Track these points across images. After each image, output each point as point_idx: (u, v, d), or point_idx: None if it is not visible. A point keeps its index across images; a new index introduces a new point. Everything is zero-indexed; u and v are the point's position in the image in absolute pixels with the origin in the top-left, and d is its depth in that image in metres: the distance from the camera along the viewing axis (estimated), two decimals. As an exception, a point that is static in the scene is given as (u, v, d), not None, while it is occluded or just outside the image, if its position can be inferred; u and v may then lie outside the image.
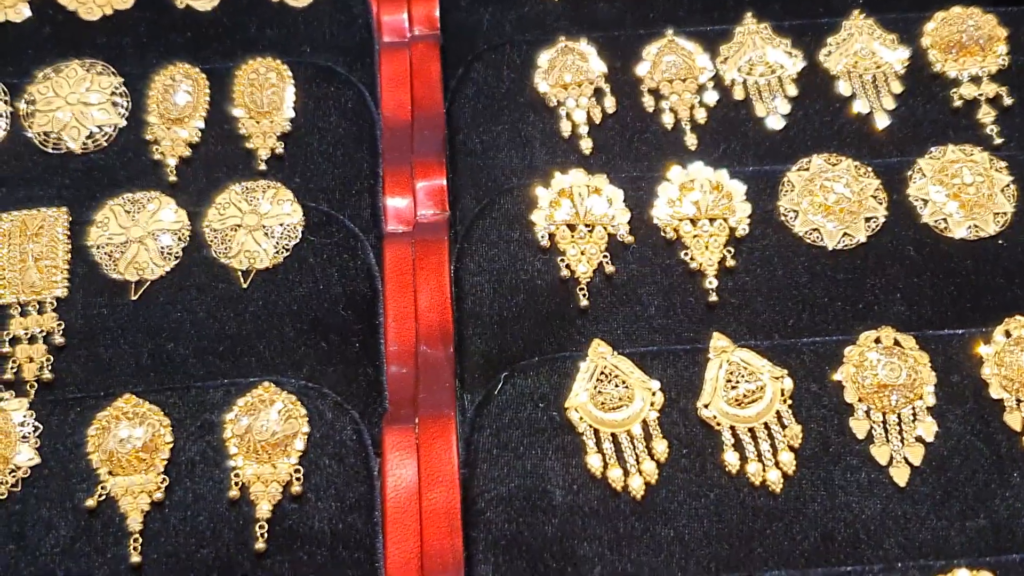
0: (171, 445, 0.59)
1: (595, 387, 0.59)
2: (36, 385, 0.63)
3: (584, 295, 0.66)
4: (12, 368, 0.64)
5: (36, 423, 0.60)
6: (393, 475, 0.62)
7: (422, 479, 0.63)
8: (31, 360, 0.65)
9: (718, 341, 0.61)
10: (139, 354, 0.66)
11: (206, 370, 0.65)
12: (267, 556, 0.58)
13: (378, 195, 0.76)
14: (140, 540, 0.57)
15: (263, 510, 0.58)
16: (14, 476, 0.59)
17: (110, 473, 0.58)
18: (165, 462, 0.59)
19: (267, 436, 0.59)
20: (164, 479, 0.58)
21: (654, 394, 0.59)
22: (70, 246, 0.68)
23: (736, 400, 0.59)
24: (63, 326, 0.65)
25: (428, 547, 0.61)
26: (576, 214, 0.68)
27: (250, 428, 0.59)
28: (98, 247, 0.68)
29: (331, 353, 0.67)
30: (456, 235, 0.73)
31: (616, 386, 0.59)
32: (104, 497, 0.58)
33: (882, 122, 0.73)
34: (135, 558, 0.57)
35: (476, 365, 0.67)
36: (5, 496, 0.58)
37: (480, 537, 0.58)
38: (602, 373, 0.60)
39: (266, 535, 0.58)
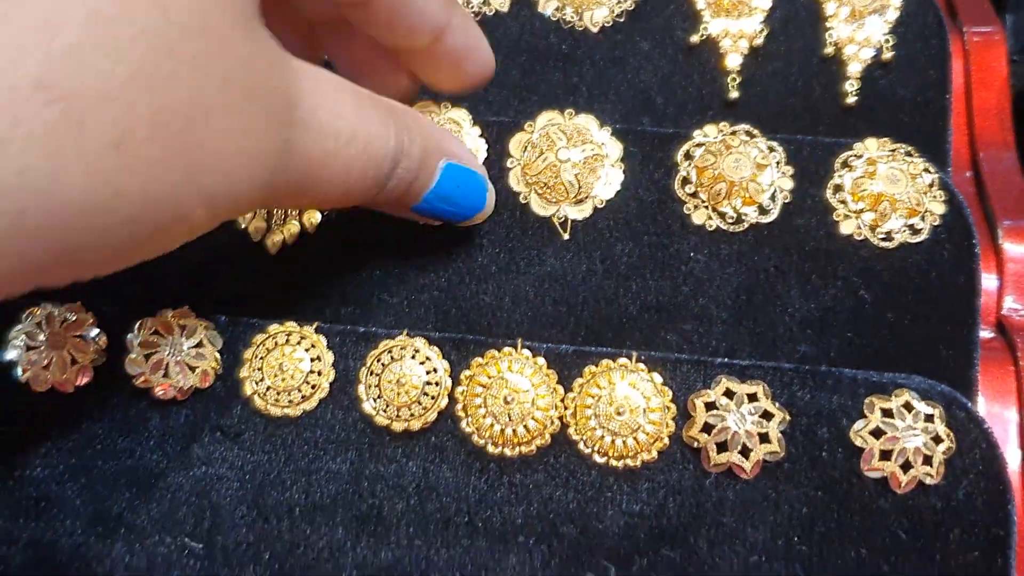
0: (773, -3, 0.62)
1: None
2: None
3: None
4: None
5: (641, -40, 0.63)
6: (941, 76, 0.64)
7: (972, 81, 0.65)
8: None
9: None
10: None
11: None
12: (852, 112, 0.61)
13: None
14: (737, 80, 0.61)
15: (854, 69, 0.61)
16: (620, 6, 0.62)
17: (713, 15, 0.62)
18: (765, 12, 0.62)
19: (866, 2, 0.61)
20: (764, 28, 0.61)
21: None
22: None
23: None
24: None
25: (980, 136, 0.64)
26: None
27: (851, -9, 0.61)
28: None
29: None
30: None
31: None
32: (706, 36, 0.62)
33: None
34: (732, 94, 0.61)
35: (1026, -15, 0.67)
36: (610, 24, 0.62)
37: (1057, 128, 0.61)
38: None
39: (856, 92, 0.61)
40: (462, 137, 0.56)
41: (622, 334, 0.54)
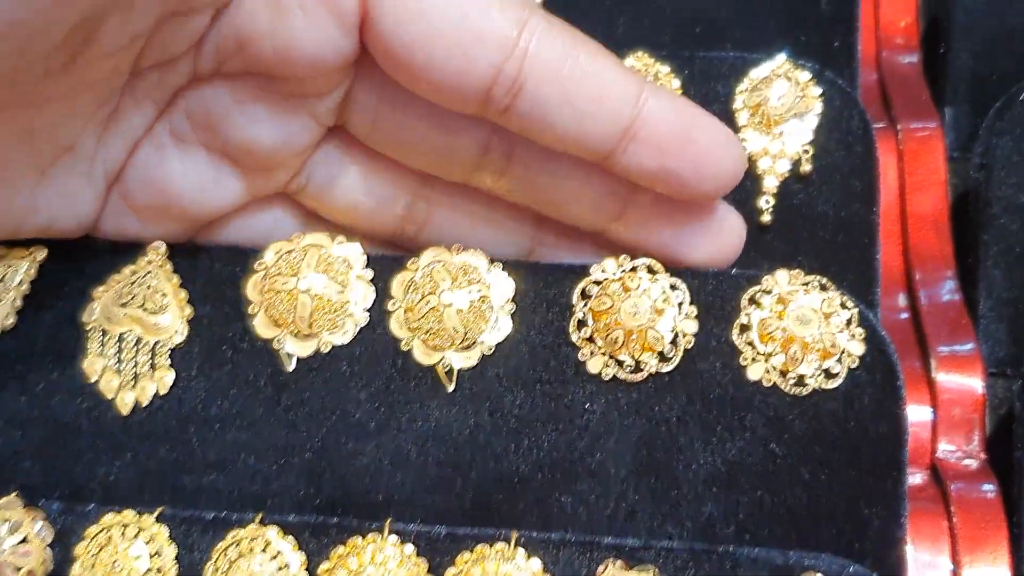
0: (682, 109, 0.57)
1: None
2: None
3: (1101, 14, 0.60)
4: None
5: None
6: (872, 179, 0.59)
7: (906, 184, 0.60)
8: None
9: None
10: (614, 24, 0.63)
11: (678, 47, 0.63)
12: (769, 230, 0.56)
13: None
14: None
15: (770, 184, 0.56)
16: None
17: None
18: (673, 125, 0.57)
19: (781, 111, 0.56)
20: (671, 141, 0.57)
21: None
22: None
23: None
24: None
25: (915, 249, 0.59)
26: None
27: (764, 100, 0.56)
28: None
29: (809, 48, 0.64)
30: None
31: None
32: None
33: None
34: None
35: (963, 80, 0.63)
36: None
37: (991, 241, 0.56)
38: None
39: (772, 209, 0.56)
40: (351, 280, 0.51)
41: (513, 497, 0.49)
